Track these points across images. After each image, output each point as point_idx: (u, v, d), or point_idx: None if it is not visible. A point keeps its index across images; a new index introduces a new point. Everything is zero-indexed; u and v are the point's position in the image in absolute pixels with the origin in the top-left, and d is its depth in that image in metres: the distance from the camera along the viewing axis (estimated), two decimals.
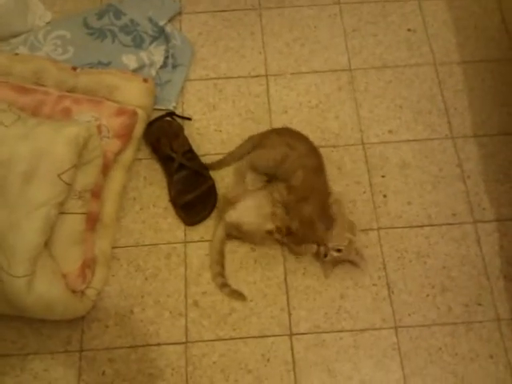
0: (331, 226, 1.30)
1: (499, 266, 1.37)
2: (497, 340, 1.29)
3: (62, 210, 1.19)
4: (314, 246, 1.29)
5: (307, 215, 1.29)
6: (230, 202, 1.35)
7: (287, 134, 1.43)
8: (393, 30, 1.69)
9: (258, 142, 1.44)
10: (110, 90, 1.47)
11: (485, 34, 1.68)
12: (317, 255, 1.33)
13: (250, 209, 1.33)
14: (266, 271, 1.37)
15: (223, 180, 1.47)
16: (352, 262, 1.33)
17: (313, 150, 1.40)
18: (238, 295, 1.33)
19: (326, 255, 1.29)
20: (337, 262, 1.33)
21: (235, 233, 1.35)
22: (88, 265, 1.28)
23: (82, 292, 1.28)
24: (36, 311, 1.19)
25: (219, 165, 1.48)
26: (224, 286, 1.33)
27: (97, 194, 1.33)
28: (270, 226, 1.31)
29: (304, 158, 1.36)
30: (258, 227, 1.32)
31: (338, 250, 1.28)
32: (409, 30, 1.69)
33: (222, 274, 1.34)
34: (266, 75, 1.62)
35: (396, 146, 1.51)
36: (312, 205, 1.30)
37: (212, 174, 1.46)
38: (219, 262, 1.35)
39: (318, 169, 1.37)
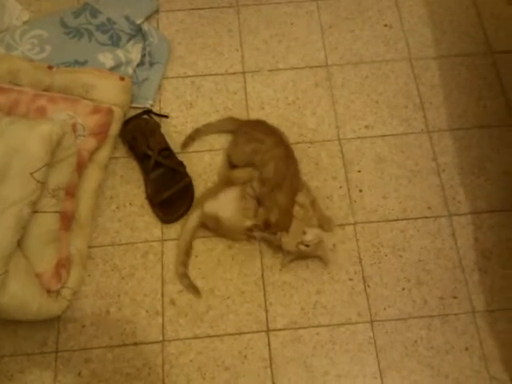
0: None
1: (474, 258, 1.38)
2: (472, 332, 1.30)
3: (35, 209, 1.19)
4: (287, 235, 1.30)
5: (283, 203, 1.31)
6: (212, 192, 1.35)
7: (258, 128, 1.44)
8: (369, 25, 1.69)
9: (234, 128, 1.48)
10: (86, 88, 1.47)
11: (460, 28, 1.69)
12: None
13: (231, 202, 1.33)
14: (243, 268, 1.37)
15: (200, 177, 1.47)
16: (319, 258, 1.35)
17: (281, 141, 1.41)
18: (194, 290, 1.33)
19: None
20: (301, 256, 1.33)
21: (211, 224, 1.35)
22: (63, 264, 1.28)
23: (57, 292, 1.27)
24: (9, 311, 1.18)
25: (194, 135, 1.49)
26: (183, 276, 1.34)
27: (71, 192, 1.32)
28: (249, 223, 1.31)
29: (273, 149, 1.37)
30: (236, 222, 1.32)
31: (307, 245, 1.29)
32: (385, 25, 1.69)
33: (184, 264, 1.34)
34: (244, 72, 1.62)
35: (372, 141, 1.52)
36: (285, 193, 1.32)
37: (189, 171, 1.46)
38: (186, 252, 1.35)
39: (288, 158, 1.39)
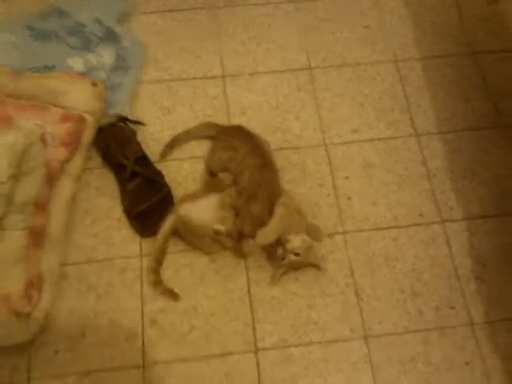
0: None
1: (470, 266, 1.32)
2: (472, 346, 1.24)
3: (0, 227, 1.09)
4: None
5: (257, 214, 1.24)
6: (190, 197, 1.28)
7: (235, 135, 1.38)
8: (349, 27, 1.64)
9: (214, 134, 1.42)
10: (55, 95, 1.37)
11: (442, 29, 1.65)
12: (273, 258, 1.26)
13: (208, 209, 1.25)
14: (228, 283, 1.29)
15: (180, 186, 1.38)
16: (312, 266, 1.28)
17: (257, 148, 1.34)
18: (170, 294, 1.26)
19: (283, 258, 1.22)
20: (293, 267, 1.26)
21: (182, 228, 1.27)
22: (33, 284, 1.18)
23: (28, 314, 1.17)
24: None
25: (172, 144, 1.42)
26: (156, 283, 1.26)
27: (42, 206, 1.22)
28: (219, 226, 1.24)
29: (248, 158, 1.31)
30: (207, 226, 1.24)
31: (296, 254, 1.21)
32: (365, 26, 1.64)
33: (156, 271, 1.26)
34: (223, 76, 1.55)
35: (359, 146, 1.46)
36: (261, 202, 1.25)
37: (168, 180, 1.37)
38: (157, 259, 1.27)
39: (264, 166, 1.32)
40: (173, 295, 1.25)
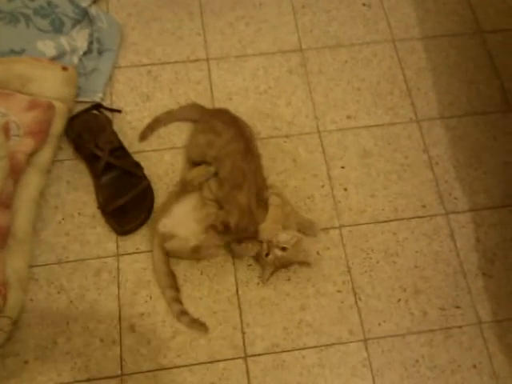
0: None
1: (476, 261, 1.22)
2: (479, 347, 1.15)
3: None
4: (257, 244, 1.12)
5: (244, 203, 1.12)
6: (164, 209, 1.16)
7: (218, 117, 1.26)
8: (346, 5, 1.52)
9: (198, 117, 1.31)
10: (23, 81, 1.26)
11: (446, 7, 1.53)
12: (257, 254, 1.14)
13: (186, 214, 1.14)
14: (215, 284, 1.18)
15: (161, 180, 1.27)
16: (301, 263, 1.17)
17: (240, 134, 1.22)
18: (199, 326, 1.13)
19: (267, 254, 1.11)
20: (280, 264, 1.14)
21: (170, 247, 1.15)
22: None
23: None
24: None
25: (153, 125, 1.32)
26: (182, 314, 1.13)
27: (5, 203, 1.11)
28: (196, 240, 1.13)
29: (230, 144, 1.19)
30: (194, 235, 1.13)
31: (283, 249, 1.10)
32: (364, 4, 1.52)
33: (177, 300, 1.14)
34: (207, 59, 1.43)
35: (355, 133, 1.35)
36: (247, 191, 1.13)
37: (148, 173, 1.26)
38: (171, 285, 1.15)
39: (248, 153, 1.20)
40: (202, 327, 1.13)
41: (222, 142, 1.19)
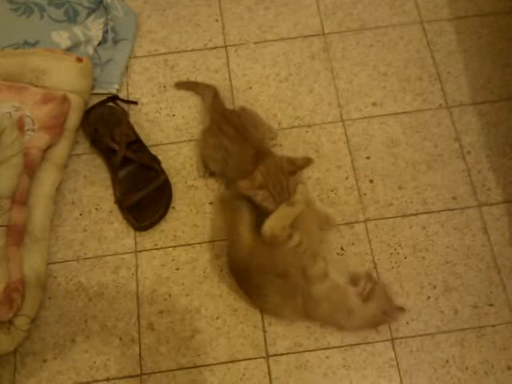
0: None
1: (511, 256, 1.15)
2: None
3: None
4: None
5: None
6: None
7: (229, 123, 1.17)
8: None
9: (208, 103, 1.28)
10: (37, 73, 1.25)
11: None
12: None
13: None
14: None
15: (179, 174, 1.24)
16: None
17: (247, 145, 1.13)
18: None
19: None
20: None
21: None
22: (15, 288, 1.05)
23: (10, 322, 1.05)
24: None
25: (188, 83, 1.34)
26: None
27: (21, 200, 1.09)
28: None
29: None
30: None
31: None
32: None
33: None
34: (225, 46, 1.38)
35: (382, 121, 1.29)
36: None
37: (165, 166, 1.23)
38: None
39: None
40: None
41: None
